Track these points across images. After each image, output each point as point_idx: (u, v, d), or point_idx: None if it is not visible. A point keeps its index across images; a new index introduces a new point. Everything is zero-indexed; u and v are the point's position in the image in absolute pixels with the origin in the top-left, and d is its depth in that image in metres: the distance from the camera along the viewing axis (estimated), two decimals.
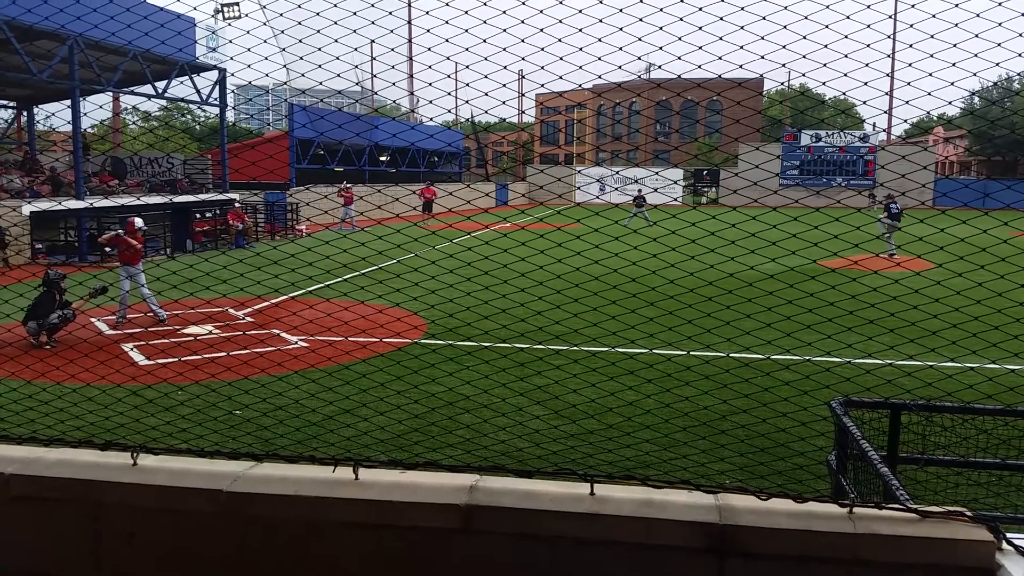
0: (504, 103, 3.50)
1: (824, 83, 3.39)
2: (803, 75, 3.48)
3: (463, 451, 6.43)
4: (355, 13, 3.36)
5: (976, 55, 3.30)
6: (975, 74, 3.40)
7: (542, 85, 3.62)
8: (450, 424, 7.10)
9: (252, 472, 2.47)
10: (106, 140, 34.16)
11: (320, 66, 3.52)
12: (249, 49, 3.54)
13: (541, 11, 3.32)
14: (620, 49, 3.52)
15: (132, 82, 27.30)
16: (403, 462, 2.46)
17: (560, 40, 3.36)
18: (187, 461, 2.60)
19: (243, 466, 2.52)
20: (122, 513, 2.48)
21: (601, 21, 3.40)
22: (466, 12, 3.27)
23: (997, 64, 3.52)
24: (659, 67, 3.49)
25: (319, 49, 3.52)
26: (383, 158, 46.59)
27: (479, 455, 6.32)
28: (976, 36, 3.28)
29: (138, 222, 13.75)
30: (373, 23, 3.48)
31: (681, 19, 3.30)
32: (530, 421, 7.38)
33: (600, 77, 3.74)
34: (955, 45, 3.29)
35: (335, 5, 3.42)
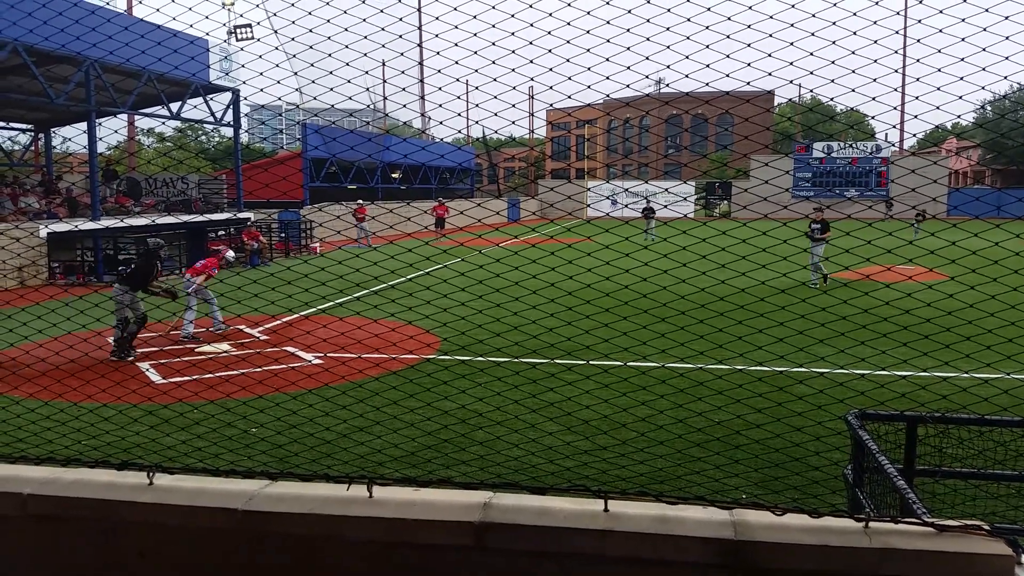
0: (514, 123, 3.53)
1: (832, 99, 3.41)
2: (811, 91, 3.49)
3: (477, 468, 6.43)
4: (366, 36, 3.41)
5: (984, 69, 3.31)
6: (984, 87, 3.41)
7: (551, 104, 3.65)
8: (463, 441, 7.10)
9: (267, 491, 2.49)
10: (121, 163, 34.50)
11: (331, 89, 3.56)
12: (261, 73, 3.59)
13: (549, 32, 3.36)
14: (628, 68, 3.55)
15: (147, 104, 27.64)
16: (416, 479, 2.47)
17: (568, 60, 3.39)
18: (203, 480, 2.62)
19: (258, 484, 2.53)
20: (139, 532, 2.50)
21: (609, 41, 3.43)
22: (475, 35, 3.31)
23: (1005, 77, 3.53)
24: (667, 85, 3.52)
25: (330, 72, 3.57)
26: (395, 175, 46.85)
27: (492, 472, 6.31)
28: (984, 50, 3.30)
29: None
30: (383, 45, 3.53)
31: (688, 38, 3.33)
32: (543, 437, 7.37)
33: (608, 96, 3.77)
34: (963, 59, 3.30)
35: (346, 29, 3.47)
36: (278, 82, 3.82)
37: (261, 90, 3.80)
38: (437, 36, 3.53)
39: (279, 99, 3.97)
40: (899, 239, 4.14)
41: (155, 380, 10.55)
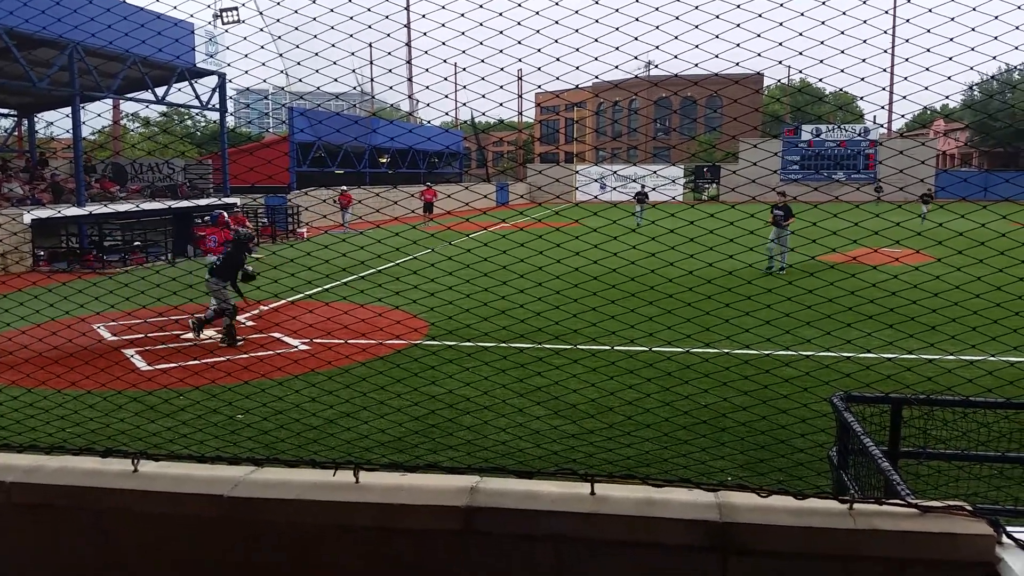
0: (501, 104, 3.51)
1: (821, 79, 3.40)
2: (800, 72, 3.48)
3: (464, 452, 6.44)
4: (352, 18, 3.37)
5: (973, 49, 3.30)
6: (972, 68, 3.40)
7: (539, 87, 3.63)
8: (450, 426, 7.10)
9: (253, 477, 2.48)
10: (106, 148, 34.19)
11: (317, 70, 3.52)
12: (246, 55, 3.55)
13: (537, 12, 3.33)
14: (617, 49, 3.53)
15: (132, 88, 27.35)
16: (403, 464, 2.46)
17: (556, 41, 3.36)
18: (188, 467, 2.60)
19: (244, 471, 2.52)
20: (123, 520, 2.48)
21: (597, 21, 3.40)
22: (463, 15, 3.27)
23: (994, 58, 3.53)
24: (656, 66, 3.50)
25: (316, 54, 3.53)
26: (383, 160, 46.63)
27: (480, 456, 6.32)
28: (973, 30, 3.29)
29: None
30: (370, 27, 3.49)
31: (677, 18, 3.31)
32: (531, 422, 7.38)
33: (597, 77, 3.75)
34: (952, 39, 3.30)
35: (331, 10, 3.42)
36: (263, 64, 3.77)
37: (246, 72, 3.76)
38: (424, 16, 3.49)
39: (264, 81, 3.92)
40: (886, 220, 4.15)
41: (140, 366, 10.50)
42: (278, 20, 3.86)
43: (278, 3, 3.58)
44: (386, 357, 10.36)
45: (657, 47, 3.46)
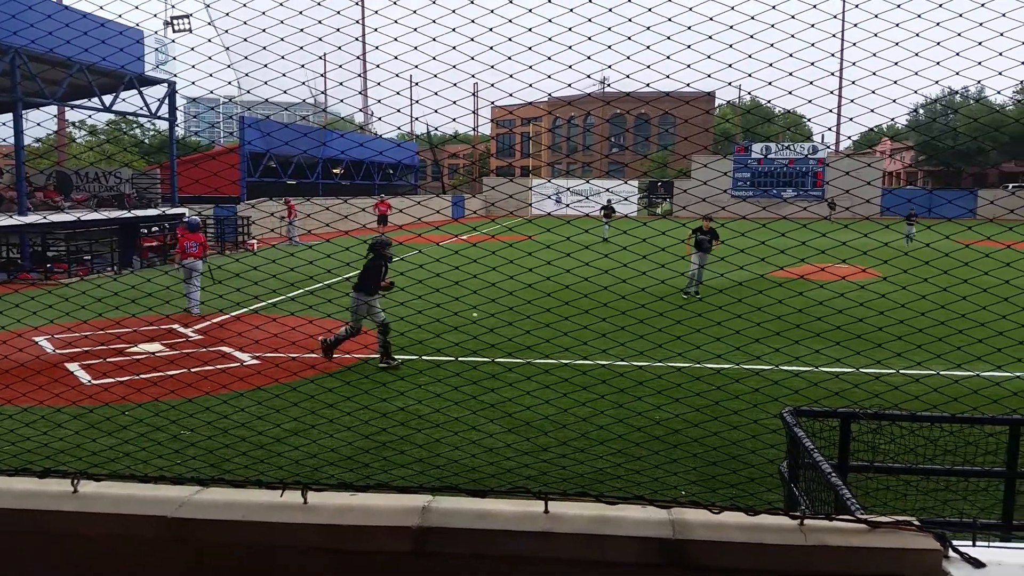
0: (455, 119, 3.50)
1: (769, 101, 3.46)
2: (749, 93, 3.54)
3: (417, 471, 6.37)
4: (302, 30, 3.33)
5: (916, 73, 3.40)
6: (916, 91, 3.50)
7: (492, 103, 3.63)
8: (403, 444, 7.02)
9: (197, 497, 2.40)
10: (48, 157, 33.31)
11: (266, 82, 3.47)
12: (193, 66, 3.48)
13: (491, 29, 3.33)
14: (570, 67, 3.55)
15: (78, 95, 26.70)
16: (353, 484, 2.42)
17: (510, 58, 3.37)
18: (130, 487, 2.52)
19: (188, 491, 2.45)
20: (62, 543, 2.39)
21: (551, 39, 3.42)
22: (415, 29, 3.26)
23: (937, 82, 3.64)
24: (608, 85, 3.53)
25: (265, 66, 3.47)
26: (336, 171, 46.25)
27: (432, 475, 6.26)
28: (916, 55, 3.39)
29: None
30: (320, 39, 3.45)
31: (629, 38, 3.34)
32: (485, 439, 7.34)
33: (550, 95, 3.77)
34: (896, 63, 3.39)
35: (281, 22, 3.38)
36: (210, 75, 3.70)
37: (192, 83, 3.68)
38: (376, 31, 3.47)
39: (211, 92, 3.85)
40: (832, 240, 4.23)
41: (84, 381, 10.19)
42: (227, 31, 3.80)
43: (226, 14, 3.52)
44: (335, 374, 10.23)
45: (610, 66, 3.49)
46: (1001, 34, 3.29)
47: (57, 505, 2.42)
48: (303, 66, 3.41)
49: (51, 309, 11.64)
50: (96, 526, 2.37)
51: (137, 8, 4.07)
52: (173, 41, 29.34)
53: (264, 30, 3.38)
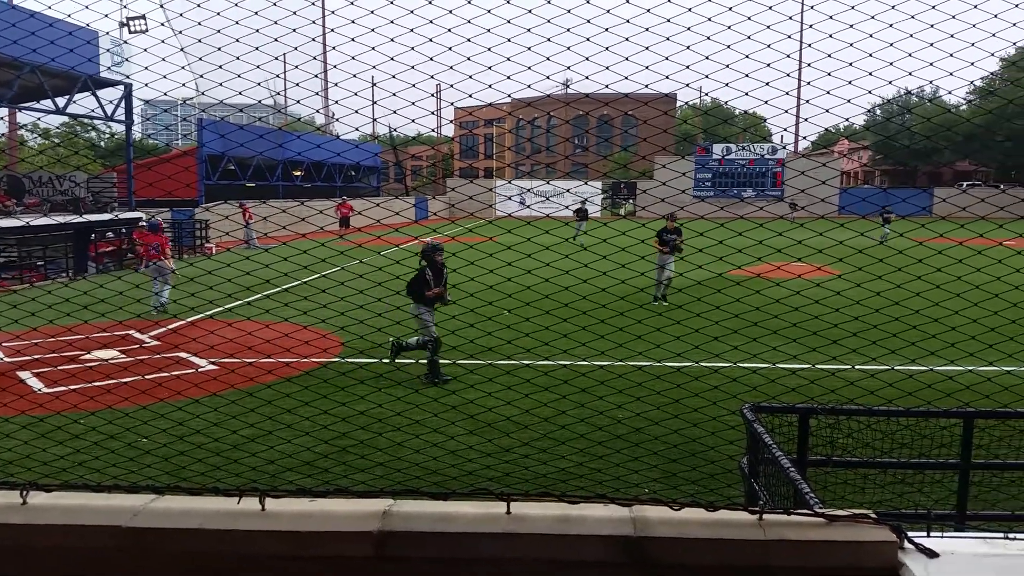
0: (414, 121, 3.48)
1: (726, 103, 3.50)
2: (708, 95, 3.58)
3: (379, 475, 6.32)
4: (258, 30, 3.28)
5: (871, 74, 3.46)
6: (871, 91, 3.57)
7: (452, 103, 3.62)
8: (363, 448, 6.96)
9: (153, 506, 2.35)
10: None
11: (221, 84, 3.42)
12: (147, 68, 3.42)
13: (449, 30, 3.32)
14: (530, 68, 3.55)
15: (30, 97, 26.05)
16: (312, 490, 2.38)
17: (469, 59, 3.36)
18: (83, 497, 2.45)
19: (144, 500, 2.39)
20: (11, 557, 2.32)
21: (510, 40, 3.42)
22: (373, 30, 3.24)
23: (891, 82, 3.72)
24: (569, 86, 3.54)
25: (220, 67, 3.42)
26: (297, 173, 45.76)
27: (395, 479, 6.22)
28: (871, 55, 3.45)
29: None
30: (277, 40, 3.41)
31: (588, 39, 3.35)
32: (447, 441, 7.32)
33: (510, 96, 3.77)
34: (851, 64, 3.45)
35: (237, 22, 3.33)
36: (165, 76, 3.64)
37: (146, 85, 3.62)
38: (333, 31, 3.43)
39: (165, 94, 3.78)
40: (789, 239, 4.30)
41: (35, 388, 9.94)
42: (181, 32, 3.74)
43: (180, 15, 3.46)
44: (293, 379, 10.11)
45: (569, 67, 3.51)
46: (952, 36, 3.36)
47: (4, 518, 2.35)
48: (259, 67, 3.37)
49: (1, 316, 11.35)
50: (47, 538, 2.31)
51: (88, 8, 3.98)
52: (127, 42, 28.81)
53: (220, 31, 3.33)
